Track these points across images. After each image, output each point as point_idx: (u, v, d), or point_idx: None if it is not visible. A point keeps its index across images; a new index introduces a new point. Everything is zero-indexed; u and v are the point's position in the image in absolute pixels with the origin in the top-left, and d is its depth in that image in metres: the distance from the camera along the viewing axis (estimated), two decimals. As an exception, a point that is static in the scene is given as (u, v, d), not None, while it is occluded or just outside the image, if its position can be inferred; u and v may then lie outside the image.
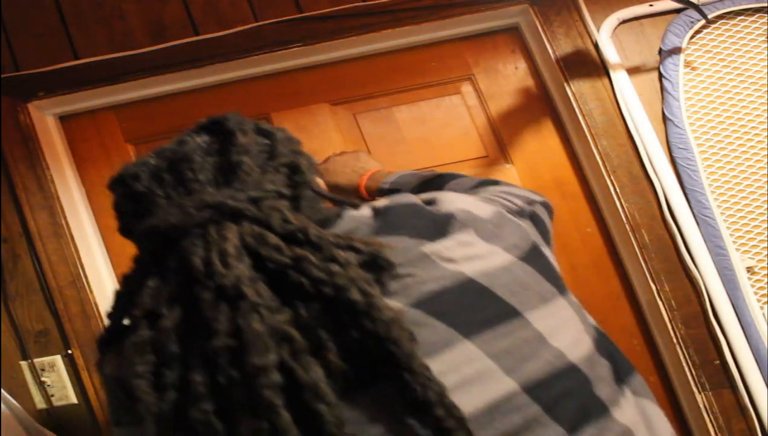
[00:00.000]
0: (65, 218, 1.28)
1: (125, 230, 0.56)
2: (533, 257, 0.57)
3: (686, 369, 1.24)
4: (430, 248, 0.52)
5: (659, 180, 1.31)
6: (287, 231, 0.48)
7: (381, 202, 0.58)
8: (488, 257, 0.53)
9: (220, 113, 0.58)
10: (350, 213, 0.57)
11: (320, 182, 0.66)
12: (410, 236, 0.52)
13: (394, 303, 0.47)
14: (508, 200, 0.68)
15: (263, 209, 0.49)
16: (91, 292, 1.26)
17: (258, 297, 0.44)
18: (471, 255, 0.53)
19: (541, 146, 1.42)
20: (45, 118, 1.35)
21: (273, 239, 0.47)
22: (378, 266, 0.49)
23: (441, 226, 0.54)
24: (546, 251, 0.61)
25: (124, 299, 0.51)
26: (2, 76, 1.30)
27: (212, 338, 0.43)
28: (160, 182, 0.53)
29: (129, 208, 0.54)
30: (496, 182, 0.80)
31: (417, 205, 0.57)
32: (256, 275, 0.45)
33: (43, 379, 1.23)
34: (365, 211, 0.57)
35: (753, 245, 1.31)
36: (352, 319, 0.44)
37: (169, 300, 0.46)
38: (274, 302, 0.45)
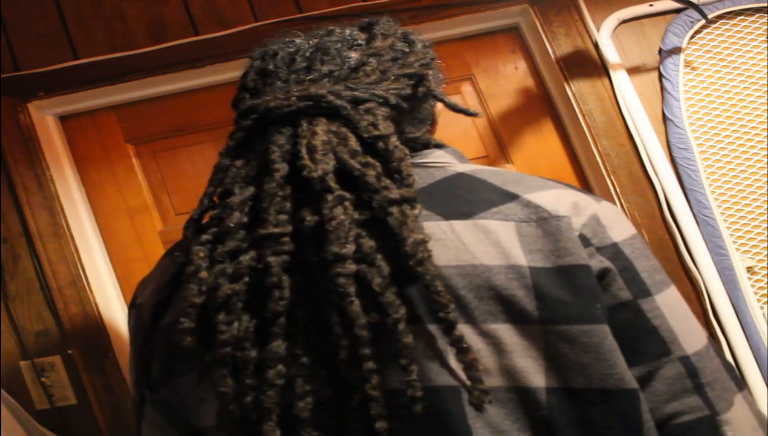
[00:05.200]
0: (65, 217, 1.27)
1: (235, 105, 0.57)
2: None
3: (686, 369, 1.24)
4: None
5: (659, 180, 1.31)
6: (371, 136, 0.49)
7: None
8: None
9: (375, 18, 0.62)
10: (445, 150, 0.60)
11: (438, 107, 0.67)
12: None
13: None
14: None
15: (359, 111, 0.50)
16: (91, 292, 1.26)
17: (342, 191, 0.45)
18: None
19: (541, 146, 1.42)
20: (45, 118, 1.35)
21: (353, 142, 0.48)
22: None
23: None
24: None
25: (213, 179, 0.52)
26: (2, 76, 1.30)
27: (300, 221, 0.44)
28: (291, 64, 0.54)
29: (252, 83, 0.55)
30: None
31: None
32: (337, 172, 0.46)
33: (43, 379, 1.23)
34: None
35: (753, 245, 1.31)
36: (390, 235, 0.45)
37: (245, 180, 0.48)
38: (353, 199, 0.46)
